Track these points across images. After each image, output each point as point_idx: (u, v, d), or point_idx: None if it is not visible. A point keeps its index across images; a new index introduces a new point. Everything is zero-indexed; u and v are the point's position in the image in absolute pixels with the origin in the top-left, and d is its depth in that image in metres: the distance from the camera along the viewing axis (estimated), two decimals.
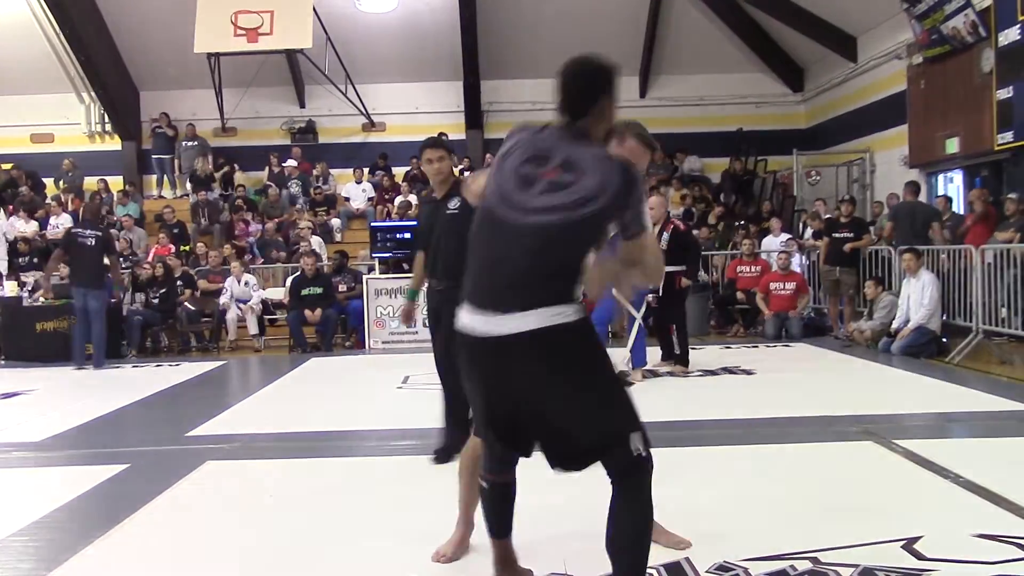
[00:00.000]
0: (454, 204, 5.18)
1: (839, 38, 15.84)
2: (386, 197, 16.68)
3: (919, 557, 3.48)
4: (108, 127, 18.58)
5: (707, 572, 3.41)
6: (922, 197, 13.69)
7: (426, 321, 5.69)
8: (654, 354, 8.99)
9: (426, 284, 5.45)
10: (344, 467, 5.42)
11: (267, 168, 17.83)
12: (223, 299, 12.95)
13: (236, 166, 18.02)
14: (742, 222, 14.68)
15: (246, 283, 13.06)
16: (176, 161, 17.86)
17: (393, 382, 8.83)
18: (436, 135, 17.30)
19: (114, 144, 18.63)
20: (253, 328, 12.92)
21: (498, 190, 2.71)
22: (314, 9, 16.01)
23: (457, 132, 18.17)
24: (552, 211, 2.62)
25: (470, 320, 2.72)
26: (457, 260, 5.20)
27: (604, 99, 2.82)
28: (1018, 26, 10.85)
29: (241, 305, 12.98)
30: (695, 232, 12.26)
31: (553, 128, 2.83)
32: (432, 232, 5.25)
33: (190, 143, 17.61)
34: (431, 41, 17.38)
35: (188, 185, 17.43)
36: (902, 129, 14.08)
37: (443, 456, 5.21)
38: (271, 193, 16.87)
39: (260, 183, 17.63)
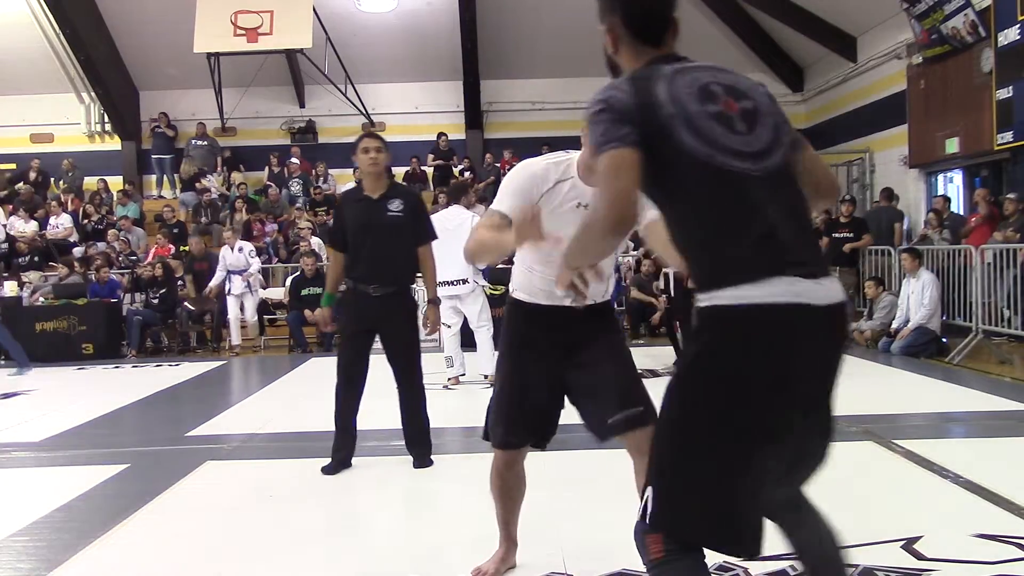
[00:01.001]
0: (397, 206, 5.03)
1: (839, 38, 15.83)
2: None
3: (919, 557, 3.48)
4: (108, 127, 18.59)
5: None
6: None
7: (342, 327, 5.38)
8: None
9: (346, 287, 5.22)
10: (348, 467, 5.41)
11: (267, 168, 17.84)
12: (217, 273, 12.56)
13: (242, 167, 17.98)
14: None
15: (240, 249, 12.60)
16: (189, 159, 17.81)
17: (393, 382, 8.82)
18: (436, 136, 17.46)
19: (114, 144, 18.64)
20: (251, 314, 12.53)
21: (707, 136, 2.01)
22: (314, 9, 16.01)
23: (457, 132, 18.19)
24: (774, 148, 2.09)
25: (794, 287, 1.96)
26: (402, 265, 5.13)
27: (676, 17, 2.24)
28: (1017, 26, 10.84)
29: (237, 275, 12.45)
30: None
31: (658, 64, 2.14)
32: (366, 233, 5.01)
33: (200, 142, 17.60)
34: (431, 41, 17.38)
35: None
36: (902, 129, 14.08)
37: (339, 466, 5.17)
38: (271, 193, 16.87)
39: (260, 183, 17.63)
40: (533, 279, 3.09)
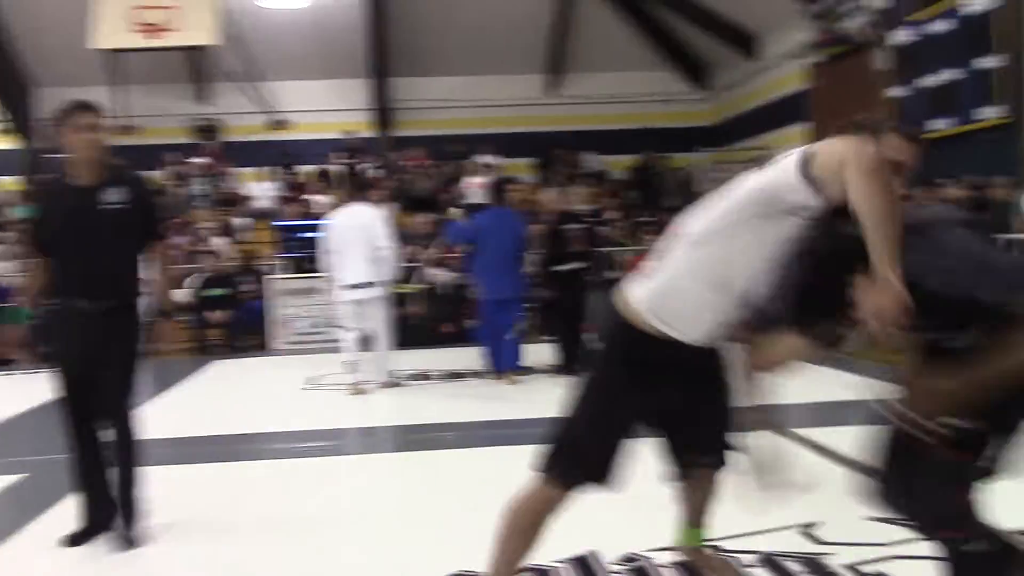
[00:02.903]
0: (117, 196, 3.92)
1: (741, 37, 16.17)
2: (293, 196, 16.47)
3: (817, 542, 3.58)
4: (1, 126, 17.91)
5: (612, 563, 3.47)
6: None
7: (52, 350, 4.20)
8: None
9: (53, 306, 4.04)
10: (255, 470, 5.34)
11: (165, 167, 17.35)
12: None
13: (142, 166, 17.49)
14: (648, 219, 14.90)
15: None
16: None
17: (297, 383, 8.73)
18: (344, 134, 17.19)
19: (11, 143, 17.96)
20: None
21: None
22: (219, 4, 15.68)
23: (366, 130, 18.04)
24: None
25: None
26: (126, 271, 4.00)
27: None
28: (909, 27, 11.30)
29: None
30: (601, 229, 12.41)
31: None
32: (77, 232, 3.90)
33: None
34: (339, 37, 17.17)
35: None
36: (803, 127, 14.44)
37: (87, 536, 3.99)
38: (174, 193, 16.46)
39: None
40: (709, 308, 2.64)
